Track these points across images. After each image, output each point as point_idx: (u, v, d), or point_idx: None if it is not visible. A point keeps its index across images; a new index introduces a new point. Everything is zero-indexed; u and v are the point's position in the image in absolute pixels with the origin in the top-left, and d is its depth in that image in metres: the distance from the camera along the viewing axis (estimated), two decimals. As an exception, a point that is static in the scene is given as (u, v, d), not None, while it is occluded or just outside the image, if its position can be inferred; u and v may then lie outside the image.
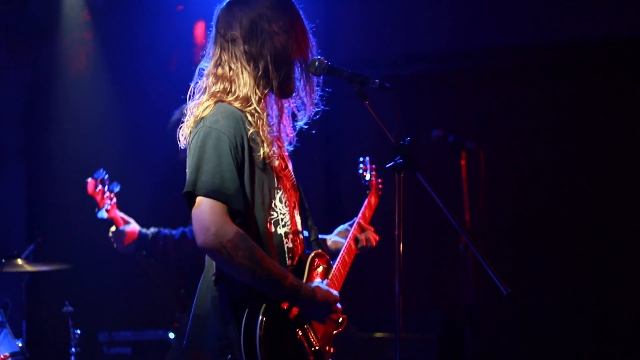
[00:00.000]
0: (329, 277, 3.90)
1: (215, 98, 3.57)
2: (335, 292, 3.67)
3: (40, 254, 7.05)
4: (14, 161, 8.32)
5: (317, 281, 3.69)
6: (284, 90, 3.68)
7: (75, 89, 8.42)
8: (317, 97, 3.80)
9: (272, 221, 3.61)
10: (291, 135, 3.82)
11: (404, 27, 8.20)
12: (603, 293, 7.65)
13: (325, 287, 3.64)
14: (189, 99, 3.70)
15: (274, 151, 3.61)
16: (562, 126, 7.84)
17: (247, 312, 3.45)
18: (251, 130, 3.53)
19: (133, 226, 5.59)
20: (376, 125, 3.53)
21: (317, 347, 3.65)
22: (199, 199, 3.41)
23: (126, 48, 8.37)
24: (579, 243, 7.74)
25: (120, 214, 5.51)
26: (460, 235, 4.65)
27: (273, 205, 3.61)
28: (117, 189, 5.39)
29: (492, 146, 7.69)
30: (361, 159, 5.00)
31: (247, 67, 3.59)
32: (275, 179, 3.64)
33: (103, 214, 5.35)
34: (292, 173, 3.83)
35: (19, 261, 6.39)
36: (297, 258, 3.71)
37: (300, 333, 3.58)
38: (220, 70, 3.62)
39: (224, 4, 3.70)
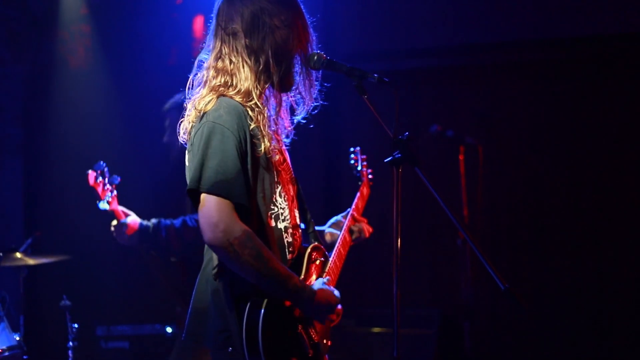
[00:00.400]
0: (326, 270, 3.90)
1: (217, 92, 3.56)
2: (337, 294, 3.69)
3: (38, 247, 7.04)
4: (13, 154, 8.32)
5: (319, 281, 3.69)
6: (284, 84, 3.68)
7: (74, 82, 8.41)
8: (316, 91, 3.79)
9: (273, 215, 3.61)
10: (289, 128, 3.81)
11: (403, 21, 8.19)
12: (601, 289, 7.65)
13: (328, 288, 3.66)
14: (188, 91, 3.69)
15: (274, 145, 3.61)
16: (561, 122, 7.84)
17: (249, 305, 3.45)
18: (252, 125, 3.52)
19: (134, 218, 5.58)
20: (375, 120, 3.52)
21: (316, 341, 3.67)
22: (204, 195, 3.40)
23: (125, 41, 8.36)
24: (577, 238, 7.74)
25: (120, 208, 5.51)
26: (458, 230, 4.64)
27: (274, 200, 3.62)
28: (117, 182, 5.38)
29: (491, 141, 7.69)
30: (352, 149, 5.00)
31: (248, 61, 3.58)
32: (275, 173, 3.64)
33: (105, 206, 5.34)
34: (290, 166, 3.83)
35: (17, 255, 6.39)
36: (296, 252, 3.72)
37: (300, 327, 3.59)
38: (220, 64, 3.61)
39: None
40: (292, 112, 3.82)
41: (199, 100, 3.57)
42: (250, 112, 3.54)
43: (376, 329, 7.45)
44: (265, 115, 3.62)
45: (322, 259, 3.89)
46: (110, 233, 5.57)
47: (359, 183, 4.81)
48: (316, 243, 3.90)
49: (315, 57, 3.68)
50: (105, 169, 5.33)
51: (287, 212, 3.69)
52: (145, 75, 8.16)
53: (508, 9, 7.93)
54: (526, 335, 7.77)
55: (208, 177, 3.40)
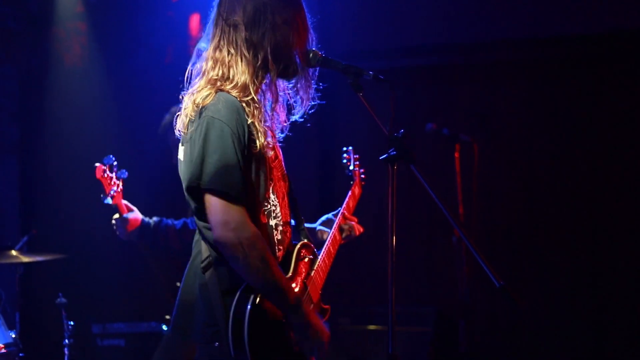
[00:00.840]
0: (315, 268, 3.91)
1: (215, 87, 3.54)
2: (326, 329, 3.69)
3: (34, 245, 7.04)
4: (8, 152, 8.31)
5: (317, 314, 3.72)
6: (287, 73, 3.67)
7: (70, 80, 8.40)
8: (313, 90, 3.79)
9: (265, 212, 3.60)
10: (284, 123, 3.79)
11: (399, 20, 8.19)
12: (597, 286, 7.66)
13: (320, 326, 3.65)
14: (187, 81, 3.68)
15: (268, 142, 3.60)
16: (556, 120, 7.85)
17: (236, 299, 3.44)
18: (249, 120, 3.51)
19: (136, 214, 5.57)
20: (370, 117, 3.53)
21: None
22: (210, 193, 3.40)
23: (121, 39, 8.35)
24: (573, 236, 7.75)
25: (124, 202, 5.50)
26: (454, 228, 4.64)
27: (267, 197, 3.61)
28: (125, 176, 5.36)
29: (486, 139, 7.70)
30: (345, 149, 4.99)
31: (247, 55, 3.57)
32: (268, 169, 3.62)
33: (108, 200, 5.32)
34: (283, 163, 3.82)
35: (13, 252, 6.39)
36: (285, 249, 3.72)
37: (285, 325, 3.57)
38: (218, 54, 3.60)
39: None
40: (289, 109, 3.81)
41: (197, 93, 3.56)
42: (246, 107, 3.53)
43: (372, 327, 7.46)
44: (262, 110, 3.61)
45: (311, 256, 3.89)
46: (110, 227, 5.56)
47: (351, 182, 4.81)
48: (305, 241, 3.89)
49: (311, 55, 3.68)
50: (114, 163, 5.31)
51: (278, 209, 3.68)
52: (141, 73, 8.15)
53: (503, 7, 7.93)
54: (521, 332, 7.78)
55: (210, 174, 3.39)
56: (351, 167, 4.91)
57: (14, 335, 5.87)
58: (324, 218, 4.45)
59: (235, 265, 3.44)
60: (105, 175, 5.23)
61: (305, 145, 7.84)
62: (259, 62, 3.58)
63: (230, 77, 3.56)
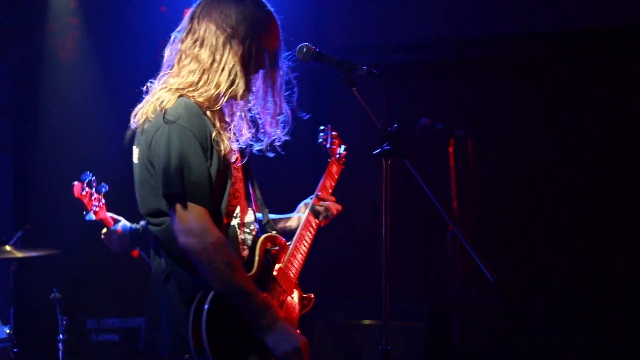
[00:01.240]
0: (287, 258, 3.85)
1: (181, 91, 3.53)
2: (299, 336, 3.53)
3: (28, 240, 7.04)
4: (2, 149, 8.31)
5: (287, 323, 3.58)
6: (244, 94, 3.61)
7: (64, 76, 8.39)
8: (280, 95, 3.75)
9: (227, 213, 3.57)
10: (248, 133, 3.74)
11: (393, 15, 8.19)
12: (592, 282, 7.67)
13: (290, 329, 3.53)
14: (163, 68, 3.69)
15: (231, 148, 3.58)
16: (551, 115, 7.85)
17: (195, 304, 3.39)
18: (215, 127, 3.51)
19: (123, 223, 5.56)
20: (364, 112, 3.53)
21: None
22: (177, 199, 3.37)
23: (115, 35, 8.34)
24: (569, 232, 7.75)
25: (109, 214, 5.49)
26: (448, 223, 4.64)
27: (228, 198, 3.58)
28: (105, 190, 5.35)
29: (480, 134, 7.69)
30: (322, 128, 4.73)
31: (230, 66, 3.54)
32: (229, 173, 3.59)
33: (91, 217, 5.32)
34: (243, 164, 3.77)
35: (7, 248, 6.39)
36: (250, 247, 3.68)
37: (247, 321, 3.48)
38: (202, 54, 3.57)
39: None
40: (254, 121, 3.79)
41: (164, 93, 3.55)
42: (211, 115, 3.52)
43: (365, 322, 7.46)
44: (226, 118, 3.60)
45: (277, 247, 3.80)
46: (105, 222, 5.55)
47: (328, 161, 4.56)
48: (271, 233, 3.83)
49: (305, 50, 3.68)
50: (92, 179, 5.31)
51: (238, 209, 3.66)
52: (135, 69, 8.12)
53: (497, 2, 7.93)
54: (515, 328, 7.78)
55: (176, 180, 3.37)
56: (327, 145, 4.62)
57: (8, 331, 5.88)
58: (301, 204, 4.31)
59: (201, 270, 3.40)
60: (84, 192, 5.22)
61: (298, 140, 7.82)
62: (237, 77, 3.54)
63: (204, 85, 3.53)
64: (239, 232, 3.64)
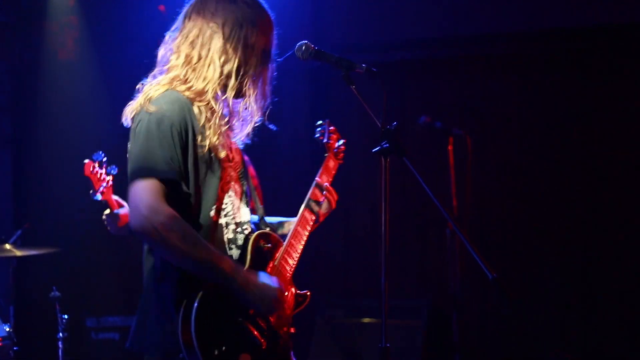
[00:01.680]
0: (281, 255, 3.81)
1: (167, 86, 3.56)
2: (275, 285, 3.54)
3: (27, 239, 7.04)
4: (2, 147, 8.31)
5: (261, 273, 3.57)
6: (238, 94, 3.65)
7: (63, 74, 8.39)
8: (269, 92, 3.77)
9: (215, 210, 3.56)
10: (245, 131, 3.78)
11: (392, 13, 8.19)
12: (590, 280, 7.68)
13: (266, 277, 3.54)
14: (157, 67, 3.73)
15: (221, 143, 3.58)
16: (551, 113, 7.86)
17: (184, 303, 3.35)
18: (201, 120, 3.52)
19: (126, 209, 5.57)
20: (362, 110, 3.53)
21: (270, 331, 3.58)
22: (140, 179, 3.37)
23: (114, 33, 8.34)
24: (566, 229, 7.76)
25: (115, 197, 5.50)
26: (447, 221, 4.63)
27: (216, 196, 3.56)
28: (115, 172, 5.36)
29: (480, 132, 7.70)
30: (319, 122, 4.61)
31: (216, 62, 3.57)
32: (220, 169, 3.59)
33: (97, 196, 5.33)
34: (240, 163, 3.79)
35: (7, 246, 6.39)
36: (241, 246, 3.65)
37: (242, 319, 3.47)
38: (190, 52, 3.61)
39: None
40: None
41: (148, 90, 3.59)
42: (199, 108, 3.53)
43: (365, 320, 7.47)
44: (218, 112, 3.59)
45: (269, 245, 3.76)
46: (102, 222, 5.56)
47: (325, 155, 4.46)
48: (264, 230, 3.80)
49: (304, 47, 3.68)
50: (104, 159, 5.32)
51: (230, 208, 3.64)
52: (134, 67, 8.10)
53: (497, 0, 7.94)
54: (514, 325, 7.79)
55: (139, 163, 3.39)
56: (325, 140, 4.50)
57: (8, 329, 5.88)
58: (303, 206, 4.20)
59: (160, 252, 3.40)
60: (94, 171, 5.22)
61: (297, 137, 7.84)
62: (225, 73, 3.58)
63: (191, 79, 3.57)
64: (225, 230, 3.61)
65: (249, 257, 3.64)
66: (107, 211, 5.44)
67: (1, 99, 8.33)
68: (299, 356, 3.83)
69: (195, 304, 3.33)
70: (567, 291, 7.72)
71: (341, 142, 4.57)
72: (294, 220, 4.07)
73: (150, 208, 3.30)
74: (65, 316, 6.29)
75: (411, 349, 7.28)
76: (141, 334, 3.56)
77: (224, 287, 3.42)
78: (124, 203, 5.61)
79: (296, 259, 3.89)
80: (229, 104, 3.67)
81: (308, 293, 3.92)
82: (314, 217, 4.10)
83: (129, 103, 3.66)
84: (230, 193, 3.65)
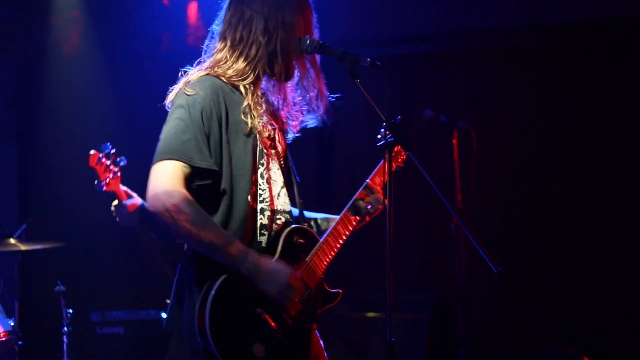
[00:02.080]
0: (314, 251, 3.80)
1: (207, 71, 3.62)
2: (286, 269, 3.56)
3: (32, 233, 7.05)
4: (6, 141, 8.31)
5: (273, 259, 3.59)
6: (285, 75, 3.72)
7: (67, 69, 8.39)
8: (324, 89, 3.87)
9: (252, 195, 3.59)
10: (294, 122, 3.87)
11: (397, 7, 8.18)
12: (593, 273, 7.67)
13: (276, 262, 3.56)
14: (204, 54, 3.77)
15: (262, 126, 3.64)
16: (555, 107, 7.85)
17: (204, 289, 3.43)
18: (247, 99, 3.58)
19: (135, 200, 5.55)
20: (367, 104, 3.53)
21: (289, 324, 3.58)
22: (162, 161, 3.43)
23: (118, 28, 8.34)
24: (570, 223, 7.76)
25: (123, 188, 5.49)
26: (452, 214, 4.62)
27: (254, 180, 3.60)
28: (123, 163, 5.35)
29: (484, 126, 7.70)
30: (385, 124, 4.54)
31: (259, 41, 3.63)
32: (259, 154, 3.64)
33: (101, 187, 5.32)
34: (284, 153, 3.84)
35: (12, 240, 6.39)
36: (273, 235, 3.67)
37: (262, 311, 3.50)
38: (232, 34, 3.67)
39: None
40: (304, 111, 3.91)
41: (189, 75, 3.64)
42: (243, 87, 3.61)
43: (370, 314, 7.47)
44: (259, 95, 3.65)
45: (303, 240, 3.77)
46: (109, 214, 5.55)
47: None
48: (300, 225, 3.81)
49: (308, 41, 3.69)
50: (112, 151, 5.31)
51: (267, 194, 3.67)
52: (139, 62, 8.15)
53: (501, -6, 7.94)
54: (519, 319, 7.79)
55: (160, 144, 3.46)
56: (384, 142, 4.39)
57: (12, 323, 5.88)
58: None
59: (170, 231, 3.45)
60: (100, 162, 5.22)
61: (302, 130, 7.83)
62: (268, 52, 3.63)
63: (235, 60, 3.63)
64: (261, 216, 3.63)
65: (279, 248, 3.66)
66: (116, 202, 5.44)
67: (6, 94, 8.33)
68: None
69: (213, 292, 3.39)
70: (571, 285, 7.71)
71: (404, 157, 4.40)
72: (337, 217, 4.05)
73: (165, 190, 3.37)
74: (70, 310, 6.29)
75: (416, 342, 7.28)
76: (176, 317, 3.62)
77: (243, 275, 3.47)
78: (133, 194, 5.61)
79: (331, 257, 3.89)
80: (280, 91, 3.76)
81: (340, 291, 3.92)
82: (357, 218, 4.06)
83: (171, 88, 3.69)
84: (268, 180, 3.68)
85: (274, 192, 3.70)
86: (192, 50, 3.90)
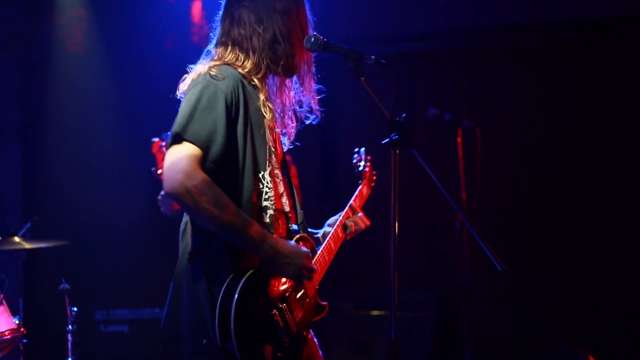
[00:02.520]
0: (314, 261, 3.86)
1: (225, 62, 3.64)
2: (304, 248, 3.62)
3: (37, 231, 7.05)
4: (11, 139, 8.31)
5: (290, 241, 3.64)
6: (288, 69, 3.75)
7: (72, 67, 8.40)
8: (314, 86, 3.88)
9: (257, 192, 3.60)
10: (291, 127, 3.89)
11: (401, 5, 8.17)
12: (598, 271, 7.67)
13: (294, 243, 3.61)
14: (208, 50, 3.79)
15: (273, 122, 3.69)
16: (558, 104, 7.85)
17: (223, 291, 3.40)
18: (261, 97, 3.63)
19: None
20: (372, 102, 3.53)
21: (293, 331, 3.61)
22: (181, 143, 3.40)
23: (123, 26, 8.34)
24: (574, 220, 7.75)
25: None
26: (456, 212, 4.63)
27: (260, 177, 3.61)
28: None
29: (489, 124, 7.70)
30: (356, 149, 4.80)
31: (258, 31, 3.67)
32: (268, 151, 3.66)
33: (156, 174, 5.39)
34: (282, 155, 3.84)
35: (16, 239, 6.38)
36: (276, 235, 3.67)
37: (277, 314, 3.52)
38: (233, 32, 3.70)
39: None
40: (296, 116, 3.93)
41: (206, 63, 3.66)
42: (258, 80, 3.65)
43: (374, 312, 7.48)
44: (268, 91, 3.70)
45: (308, 250, 3.77)
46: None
47: (359, 182, 4.62)
48: (304, 234, 3.86)
49: (313, 39, 3.69)
50: None
51: (272, 193, 3.68)
52: (143, 60, 8.15)
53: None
54: (523, 317, 7.78)
55: (193, 127, 3.42)
56: (360, 168, 4.70)
57: (17, 322, 5.88)
58: (330, 220, 4.29)
59: (191, 215, 3.47)
60: (161, 151, 5.29)
61: (306, 129, 7.84)
62: (269, 39, 3.67)
63: (242, 54, 3.66)
64: (264, 215, 3.63)
65: None
66: (163, 192, 5.46)
67: (10, 93, 8.33)
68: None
69: (236, 296, 3.36)
70: (576, 283, 7.70)
71: (374, 172, 4.74)
72: (329, 232, 4.14)
73: (185, 172, 3.34)
74: (75, 309, 6.28)
75: (421, 341, 7.28)
76: (175, 315, 3.60)
77: (258, 272, 3.48)
78: None
79: (323, 271, 3.96)
80: (282, 93, 3.80)
81: (325, 304, 3.95)
82: (344, 235, 4.22)
83: (183, 77, 3.70)
84: (272, 179, 3.70)
85: (277, 191, 3.72)
86: (196, 49, 3.90)
